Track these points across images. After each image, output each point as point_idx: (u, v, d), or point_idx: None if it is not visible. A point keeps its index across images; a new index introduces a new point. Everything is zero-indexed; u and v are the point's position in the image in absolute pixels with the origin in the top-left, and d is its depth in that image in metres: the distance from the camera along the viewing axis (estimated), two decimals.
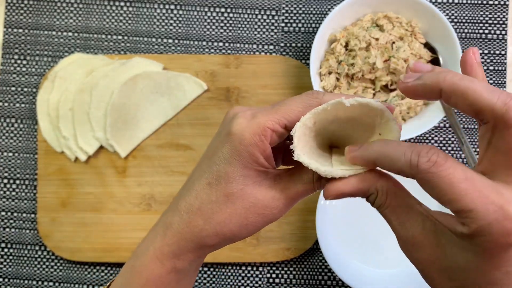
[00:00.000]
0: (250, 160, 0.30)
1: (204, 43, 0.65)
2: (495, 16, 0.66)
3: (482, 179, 0.25)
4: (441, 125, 0.65)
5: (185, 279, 0.34)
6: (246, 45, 0.65)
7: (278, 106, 0.30)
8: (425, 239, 0.28)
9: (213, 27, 0.65)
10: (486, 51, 0.65)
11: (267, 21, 0.66)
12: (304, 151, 0.29)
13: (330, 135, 0.32)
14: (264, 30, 0.65)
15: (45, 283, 0.63)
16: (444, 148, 0.65)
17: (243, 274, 0.64)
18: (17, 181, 0.64)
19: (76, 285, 0.63)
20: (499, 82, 0.65)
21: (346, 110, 0.28)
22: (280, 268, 0.64)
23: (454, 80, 0.26)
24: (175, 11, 0.66)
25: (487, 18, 0.66)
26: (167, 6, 0.66)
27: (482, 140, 0.27)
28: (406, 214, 0.29)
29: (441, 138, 0.65)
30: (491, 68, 0.65)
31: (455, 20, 0.66)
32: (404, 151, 0.26)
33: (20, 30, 0.65)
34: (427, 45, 0.61)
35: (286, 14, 0.66)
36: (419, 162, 0.25)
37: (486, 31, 0.65)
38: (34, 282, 0.63)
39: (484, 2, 0.66)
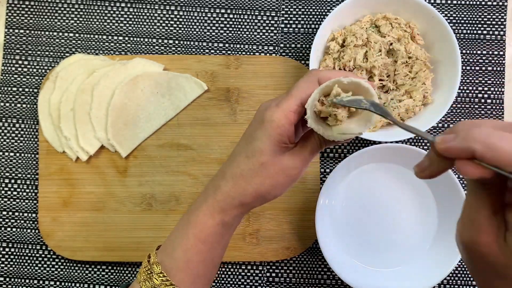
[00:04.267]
0: (278, 139, 0.39)
1: (205, 43, 0.66)
2: (494, 17, 0.66)
3: None
4: (439, 125, 0.65)
5: (227, 234, 0.44)
6: (246, 46, 0.66)
7: (292, 92, 0.40)
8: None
9: (213, 28, 0.66)
10: (484, 52, 0.66)
11: (267, 22, 0.66)
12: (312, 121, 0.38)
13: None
14: (264, 31, 0.66)
15: (46, 282, 0.63)
16: None
17: (243, 273, 0.64)
18: (19, 181, 0.64)
19: (77, 284, 0.63)
20: (498, 82, 0.65)
21: (342, 86, 0.37)
22: (279, 267, 0.64)
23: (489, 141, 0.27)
24: (175, 12, 0.66)
25: (485, 19, 0.66)
26: (167, 7, 0.66)
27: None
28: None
29: None
30: (489, 68, 0.66)
31: (454, 21, 0.66)
32: None
33: (22, 31, 0.65)
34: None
35: (286, 15, 0.66)
36: None
37: (485, 32, 0.66)
38: (35, 281, 0.63)
39: (483, 3, 0.66)
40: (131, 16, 0.66)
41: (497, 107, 0.65)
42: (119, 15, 0.66)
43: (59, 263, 0.64)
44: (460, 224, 0.31)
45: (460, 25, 0.66)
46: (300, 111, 0.40)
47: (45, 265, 0.64)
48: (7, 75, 0.65)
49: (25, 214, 0.64)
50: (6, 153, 0.64)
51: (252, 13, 0.66)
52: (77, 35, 0.66)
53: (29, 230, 0.64)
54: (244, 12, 0.66)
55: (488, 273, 0.30)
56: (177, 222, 0.45)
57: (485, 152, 0.26)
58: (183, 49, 0.66)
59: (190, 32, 0.66)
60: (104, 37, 0.66)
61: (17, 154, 0.64)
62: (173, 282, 0.42)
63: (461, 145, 0.28)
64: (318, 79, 0.40)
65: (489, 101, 0.65)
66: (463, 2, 0.66)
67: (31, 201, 0.64)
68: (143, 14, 0.66)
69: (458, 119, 0.65)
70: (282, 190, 0.42)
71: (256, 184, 0.41)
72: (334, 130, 0.38)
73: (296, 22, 0.66)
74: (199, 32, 0.66)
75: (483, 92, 0.65)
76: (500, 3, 0.66)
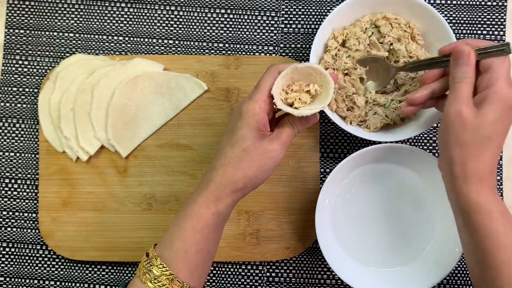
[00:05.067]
0: (256, 125, 0.46)
1: (205, 44, 0.66)
2: (494, 17, 0.66)
3: None
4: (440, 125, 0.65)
5: (221, 225, 0.48)
6: (246, 46, 0.66)
7: (258, 85, 0.47)
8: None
9: (213, 28, 0.66)
10: None
11: (267, 22, 0.66)
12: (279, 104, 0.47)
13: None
14: (264, 31, 0.66)
15: (46, 282, 0.63)
16: None
17: (243, 273, 0.64)
18: (19, 181, 0.64)
19: (77, 284, 0.63)
20: None
21: (300, 71, 0.47)
22: (279, 267, 0.64)
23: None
24: (175, 12, 0.66)
25: (485, 19, 0.66)
26: (167, 7, 0.66)
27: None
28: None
29: None
30: None
31: (454, 21, 0.66)
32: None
33: (22, 31, 0.65)
34: None
35: (286, 16, 0.66)
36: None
37: (485, 32, 0.66)
38: (36, 281, 0.63)
39: (483, 3, 0.66)
40: (131, 16, 0.66)
41: None
42: (119, 15, 0.66)
43: (59, 263, 0.64)
44: (449, 100, 0.46)
45: (460, 25, 0.66)
46: (269, 101, 0.47)
47: (45, 265, 0.64)
48: (7, 75, 0.65)
49: (25, 214, 0.64)
50: (6, 153, 0.64)
51: (252, 13, 0.66)
52: (77, 35, 0.66)
53: (29, 230, 0.64)
54: (244, 12, 0.66)
55: (456, 140, 0.45)
56: (174, 218, 0.48)
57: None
58: (183, 49, 0.66)
59: (190, 32, 0.66)
60: (104, 37, 0.66)
61: (17, 154, 0.64)
62: (172, 272, 0.44)
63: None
64: (278, 71, 0.47)
65: None
66: (463, 2, 0.66)
67: (31, 201, 0.64)
68: (143, 14, 0.66)
69: None
70: (268, 172, 0.47)
71: (243, 169, 0.45)
72: (301, 110, 0.46)
73: (296, 22, 0.66)
74: (199, 32, 0.66)
75: None
76: (500, 3, 0.66)
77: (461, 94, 0.45)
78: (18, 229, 0.64)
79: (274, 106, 0.47)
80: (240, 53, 0.66)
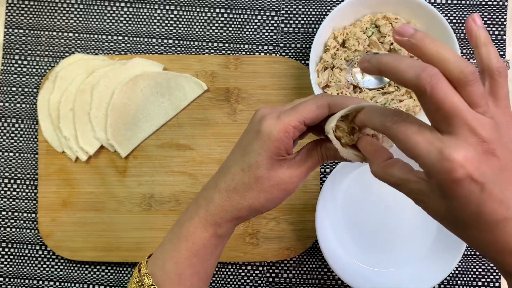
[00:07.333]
0: (275, 152, 0.38)
1: (204, 43, 0.66)
2: (494, 16, 0.66)
3: (431, 132, 0.30)
4: None
5: (221, 245, 0.43)
6: (246, 46, 0.66)
7: (297, 108, 0.38)
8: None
9: (213, 27, 0.66)
10: None
11: (267, 22, 0.66)
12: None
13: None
14: (263, 30, 0.66)
15: (46, 282, 0.63)
16: None
17: (243, 274, 0.64)
18: (18, 181, 0.64)
19: (77, 285, 0.63)
20: None
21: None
22: (279, 268, 0.64)
23: (385, 60, 0.31)
24: (175, 12, 0.66)
25: (485, 19, 0.66)
26: (167, 7, 0.66)
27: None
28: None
29: None
30: None
31: (454, 20, 0.66)
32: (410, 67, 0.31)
33: (21, 31, 0.65)
34: None
35: (286, 15, 0.66)
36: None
37: None
38: (35, 282, 0.63)
39: (483, 3, 0.66)
40: (130, 16, 0.66)
41: None
42: (119, 15, 0.66)
43: (59, 263, 0.64)
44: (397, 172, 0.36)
45: (460, 25, 0.66)
46: (301, 128, 0.38)
47: (44, 265, 0.63)
48: (6, 75, 0.65)
49: (25, 214, 0.64)
50: (6, 153, 0.64)
51: (252, 13, 0.66)
52: (76, 35, 0.65)
53: (28, 230, 0.64)
54: (244, 12, 0.66)
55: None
56: (168, 232, 0.44)
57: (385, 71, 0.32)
58: (183, 49, 0.66)
59: (190, 32, 0.66)
60: (104, 37, 0.66)
61: (17, 154, 0.64)
62: None
63: (373, 64, 0.33)
64: (329, 104, 0.38)
65: None
66: (463, 2, 0.66)
67: (30, 201, 0.64)
68: (143, 14, 0.66)
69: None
70: (277, 203, 0.41)
71: (250, 199, 0.40)
72: (348, 149, 0.38)
73: (296, 22, 0.66)
74: (199, 32, 0.66)
75: None
76: (500, 3, 0.66)
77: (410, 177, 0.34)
78: (18, 229, 0.64)
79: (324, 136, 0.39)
80: (240, 52, 0.65)
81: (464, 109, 0.29)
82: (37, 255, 0.64)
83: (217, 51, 0.66)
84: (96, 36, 0.66)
